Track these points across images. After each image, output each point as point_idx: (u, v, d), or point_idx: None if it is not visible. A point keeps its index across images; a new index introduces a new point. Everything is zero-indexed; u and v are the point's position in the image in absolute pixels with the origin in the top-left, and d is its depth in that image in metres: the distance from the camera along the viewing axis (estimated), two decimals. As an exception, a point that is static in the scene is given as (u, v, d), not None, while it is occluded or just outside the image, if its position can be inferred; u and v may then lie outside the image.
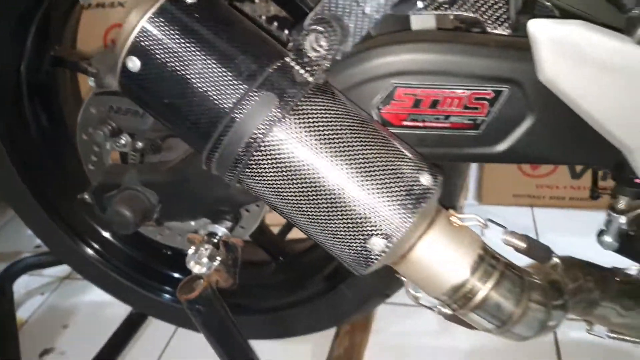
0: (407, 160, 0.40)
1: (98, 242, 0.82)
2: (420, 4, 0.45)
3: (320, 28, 0.37)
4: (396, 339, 0.98)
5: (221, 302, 0.58)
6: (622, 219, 0.46)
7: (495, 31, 0.43)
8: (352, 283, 0.73)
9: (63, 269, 1.20)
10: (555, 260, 0.45)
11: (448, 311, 0.44)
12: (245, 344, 0.63)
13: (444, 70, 0.44)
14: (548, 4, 0.43)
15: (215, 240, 0.57)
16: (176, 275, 0.83)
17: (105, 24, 1.15)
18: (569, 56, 0.37)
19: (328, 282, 0.76)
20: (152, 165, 0.61)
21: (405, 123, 0.46)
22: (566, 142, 0.45)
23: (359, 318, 0.88)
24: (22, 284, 1.12)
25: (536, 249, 0.43)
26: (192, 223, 0.62)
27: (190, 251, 0.56)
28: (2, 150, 0.74)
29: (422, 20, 0.47)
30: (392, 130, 0.46)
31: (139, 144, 0.62)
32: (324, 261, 0.76)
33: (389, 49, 0.44)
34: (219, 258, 0.56)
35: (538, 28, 0.37)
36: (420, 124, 0.46)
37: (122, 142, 0.64)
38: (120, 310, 1.02)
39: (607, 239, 0.47)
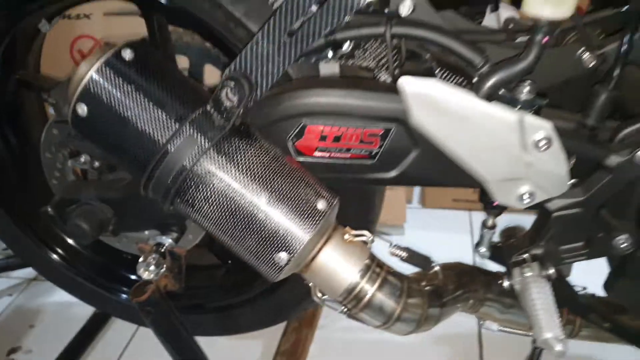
0: (308, 189, 0.49)
1: (62, 248, 0.91)
2: (329, 54, 0.56)
3: (231, 84, 0.47)
4: (340, 334, 1.08)
5: (169, 304, 0.68)
6: (491, 233, 0.56)
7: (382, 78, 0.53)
8: (289, 285, 0.83)
9: (31, 272, 1.27)
10: (436, 267, 0.56)
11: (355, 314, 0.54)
12: (192, 340, 0.72)
13: (343, 112, 0.53)
14: (427, 56, 0.54)
15: (162, 250, 0.66)
16: (134, 277, 0.92)
17: (71, 35, 1.22)
18: (429, 107, 0.47)
19: (271, 283, 0.86)
20: (108, 183, 0.70)
21: (315, 154, 0.56)
22: (447, 169, 0.55)
23: (299, 315, 0.98)
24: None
25: (417, 258, 0.53)
26: (146, 232, 0.71)
27: (140, 260, 0.65)
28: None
29: (329, 68, 0.56)
30: (306, 159, 0.56)
31: (96, 164, 0.71)
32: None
33: (300, 93, 0.54)
34: (165, 266, 0.65)
35: (405, 83, 0.47)
36: (327, 155, 0.56)
37: (82, 160, 0.72)
38: (84, 310, 1.10)
39: (482, 249, 0.58)
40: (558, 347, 0.50)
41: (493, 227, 0.57)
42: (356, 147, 0.55)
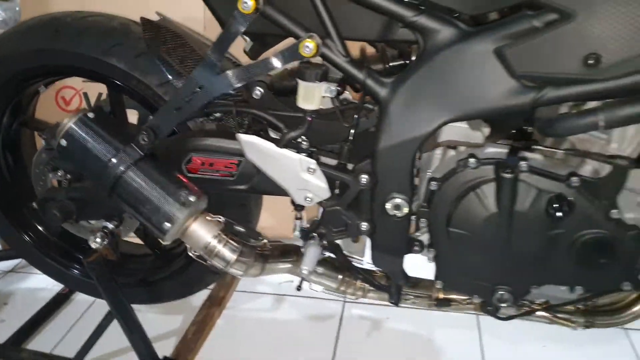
0: (185, 189, 0.92)
1: (36, 236, 1.31)
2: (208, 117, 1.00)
3: (146, 130, 0.91)
4: (241, 313, 1.49)
5: (107, 266, 1.09)
6: (299, 222, 1.00)
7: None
8: (197, 265, 1.25)
9: (8, 265, 1.66)
10: (265, 241, 0.99)
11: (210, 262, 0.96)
12: (121, 293, 1.13)
13: (213, 149, 0.97)
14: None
15: (105, 231, 1.07)
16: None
17: (57, 86, 1.63)
18: (253, 150, 0.91)
19: (184, 265, 1.28)
20: (74, 188, 1.12)
21: (199, 174, 0.99)
22: (274, 184, 0.99)
23: (204, 289, 1.39)
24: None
25: (250, 233, 0.96)
26: (96, 221, 1.13)
27: (91, 236, 1.07)
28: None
29: (209, 125, 1.01)
30: (193, 176, 0.99)
31: (68, 176, 1.13)
32: (182, 253, 1.28)
33: (191, 138, 0.98)
34: (106, 240, 1.07)
35: (240, 136, 0.92)
36: (207, 174, 0.99)
37: (59, 174, 1.14)
38: (49, 294, 1.50)
39: (295, 233, 1.01)
40: (304, 270, 0.94)
41: (300, 218, 1.00)
42: (222, 170, 0.99)
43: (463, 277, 0.97)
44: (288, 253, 1.05)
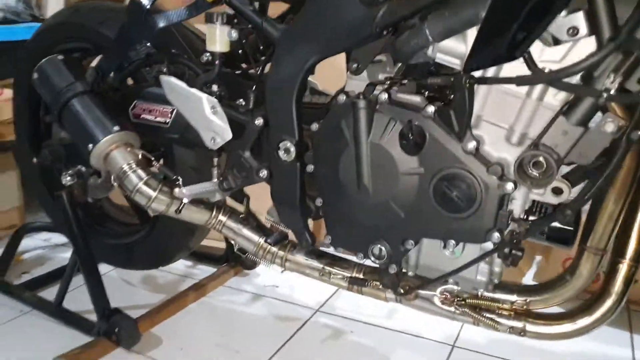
0: (112, 121, 1.08)
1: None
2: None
3: (91, 71, 1.10)
4: (216, 302, 1.54)
5: (74, 199, 1.27)
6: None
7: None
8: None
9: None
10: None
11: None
12: (85, 233, 1.29)
13: (151, 96, 1.13)
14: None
15: (79, 172, 1.27)
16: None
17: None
18: (172, 90, 1.05)
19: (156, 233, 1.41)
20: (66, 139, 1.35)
21: (140, 119, 1.15)
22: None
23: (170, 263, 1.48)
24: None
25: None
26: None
27: (65, 175, 1.27)
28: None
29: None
30: (136, 120, 1.15)
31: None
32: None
33: (140, 86, 1.16)
34: (76, 179, 1.26)
35: (161, 78, 1.06)
36: (146, 121, 1.14)
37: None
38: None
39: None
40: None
41: (216, 165, 1.08)
42: (159, 117, 1.13)
43: (344, 229, 0.94)
44: (205, 204, 1.12)
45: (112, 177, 1.10)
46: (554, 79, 0.65)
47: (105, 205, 1.60)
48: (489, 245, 0.82)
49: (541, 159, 0.70)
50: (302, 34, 0.91)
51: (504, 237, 0.78)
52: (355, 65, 0.91)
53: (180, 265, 1.73)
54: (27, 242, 1.86)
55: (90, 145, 1.07)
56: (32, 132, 1.49)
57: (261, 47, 1.12)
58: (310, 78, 1.02)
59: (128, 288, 1.61)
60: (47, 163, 1.32)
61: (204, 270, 1.68)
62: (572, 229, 0.85)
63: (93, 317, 1.35)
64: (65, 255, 1.83)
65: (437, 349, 1.30)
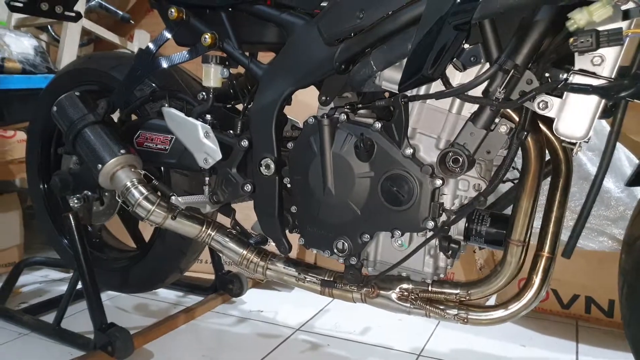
0: (119, 146, 1.33)
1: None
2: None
3: (102, 104, 1.37)
4: (203, 324, 1.73)
5: (80, 221, 1.50)
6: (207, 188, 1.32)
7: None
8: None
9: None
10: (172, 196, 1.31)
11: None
12: (88, 252, 1.51)
13: (153, 127, 1.39)
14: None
15: (85, 196, 1.51)
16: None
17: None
18: (172, 120, 1.30)
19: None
20: (75, 168, 1.60)
21: (144, 147, 1.40)
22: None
23: (166, 284, 1.69)
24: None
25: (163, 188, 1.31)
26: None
27: (72, 199, 1.51)
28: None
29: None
30: (139, 148, 1.40)
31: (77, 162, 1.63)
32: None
33: (144, 118, 1.42)
34: (82, 202, 1.49)
35: (163, 109, 1.32)
36: (148, 148, 1.40)
37: (74, 159, 1.65)
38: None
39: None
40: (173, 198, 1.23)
41: (207, 184, 1.31)
42: (160, 144, 1.39)
43: (313, 230, 1.16)
44: (197, 219, 1.35)
45: (117, 194, 1.34)
46: (460, 92, 0.91)
47: (104, 234, 1.83)
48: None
49: (456, 155, 0.94)
50: (281, 70, 1.18)
51: (437, 224, 1.01)
52: (324, 98, 1.18)
53: (171, 294, 1.93)
54: (26, 278, 2.07)
55: (99, 166, 1.31)
56: (43, 164, 1.74)
57: (249, 87, 1.40)
58: (291, 117, 1.30)
59: (122, 314, 1.80)
60: (56, 189, 1.55)
61: (194, 299, 1.88)
62: (504, 232, 1.09)
63: (90, 336, 1.54)
64: (62, 288, 2.03)
65: (405, 358, 1.48)
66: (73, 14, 1.75)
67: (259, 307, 1.82)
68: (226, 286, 1.86)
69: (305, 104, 1.39)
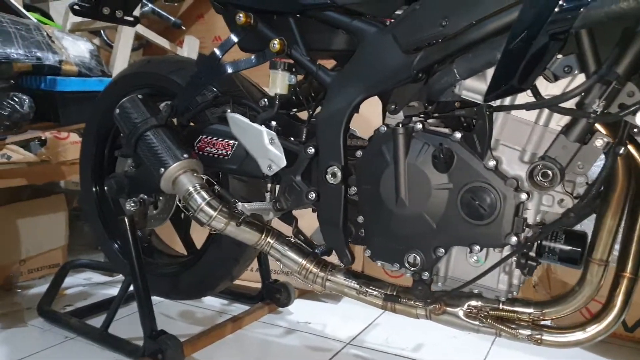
0: (181, 150, 1.32)
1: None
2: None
3: (165, 108, 1.37)
4: (251, 334, 1.71)
5: (135, 225, 1.50)
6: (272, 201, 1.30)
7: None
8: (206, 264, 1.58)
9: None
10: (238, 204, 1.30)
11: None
12: (139, 247, 1.50)
13: (215, 132, 1.38)
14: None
15: (140, 200, 1.50)
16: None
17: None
18: (235, 125, 1.30)
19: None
20: (131, 172, 1.60)
21: (204, 152, 1.39)
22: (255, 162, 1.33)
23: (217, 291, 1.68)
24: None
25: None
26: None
27: (129, 202, 1.51)
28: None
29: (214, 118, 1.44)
30: (200, 153, 1.39)
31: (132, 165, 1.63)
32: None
33: (205, 123, 1.41)
34: (138, 205, 1.49)
35: (227, 114, 1.31)
36: (210, 153, 1.39)
37: (129, 162, 1.65)
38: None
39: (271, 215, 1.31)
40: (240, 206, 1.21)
41: (269, 191, 1.30)
42: (221, 150, 1.38)
43: (382, 242, 1.14)
44: (257, 226, 1.33)
45: (178, 198, 1.33)
46: (553, 103, 0.88)
47: (153, 239, 1.83)
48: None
49: (547, 168, 0.91)
50: (352, 77, 1.16)
51: (520, 240, 0.98)
52: (393, 107, 1.16)
53: (216, 302, 1.92)
54: (69, 280, 2.08)
55: (162, 170, 1.31)
56: (97, 167, 1.75)
57: (312, 94, 1.38)
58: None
59: (168, 321, 1.79)
60: (112, 192, 1.56)
61: (239, 308, 1.86)
62: (580, 250, 1.05)
63: (138, 342, 1.53)
64: (106, 292, 2.05)
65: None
66: (132, 19, 1.76)
67: (307, 319, 1.79)
68: (273, 295, 1.84)
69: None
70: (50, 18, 2.53)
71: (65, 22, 2.41)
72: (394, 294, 1.21)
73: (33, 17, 2.11)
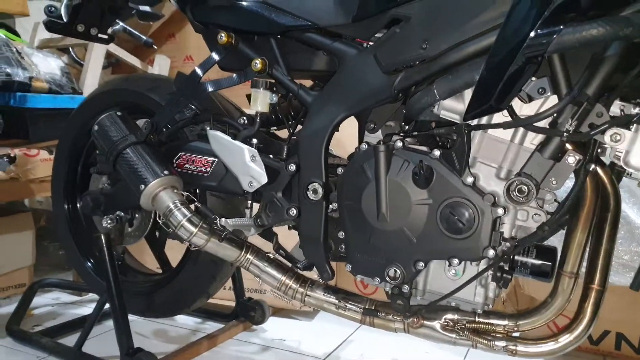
0: (161, 167, 1.32)
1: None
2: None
3: (145, 125, 1.37)
4: (226, 351, 1.70)
5: (112, 241, 1.48)
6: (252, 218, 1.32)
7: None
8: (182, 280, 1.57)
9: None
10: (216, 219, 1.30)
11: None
12: (115, 264, 1.48)
13: (194, 149, 1.39)
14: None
15: (117, 217, 1.49)
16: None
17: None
18: (217, 143, 1.31)
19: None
20: (107, 189, 1.58)
21: (184, 169, 1.40)
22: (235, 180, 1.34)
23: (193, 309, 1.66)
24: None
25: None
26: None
27: (106, 219, 1.49)
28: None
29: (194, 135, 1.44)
30: (179, 170, 1.40)
31: (108, 183, 1.61)
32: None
33: (183, 140, 1.42)
34: (115, 223, 1.48)
35: (208, 131, 1.33)
36: (189, 170, 1.39)
37: (103, 180, 1.63)
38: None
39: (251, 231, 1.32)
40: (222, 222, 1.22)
41: (249, 207, 1.31)
42: (201, 167, 1.38)
43: (363, 256, 1.16)
44: (237, 243, 1.34)
45: (159, 215, 1.33)
46: (529, 123, 0.93)
47: (127, 257, 1.80)
48: (484, 266, 1.06)
49: (523, 184, 0.96)
50: (333, 97, 1.19)
51: (497, 253, 1.02)
52: (372, 125, 1.20)
53: (190, 321, 1.90)
54: (37, 300, 2.02)
55: (142, 186, 1.30)
56: (70, 184, 1.73)
57: (292, 113, 1.41)
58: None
59: (143, 339, 1.76)
60: (87, 209, 1.54)
61: (213, 326, 1.85)
62: (550, 264, 1.10)
63: (112, 360, 1.51)
64: (75, 312, 2.00)
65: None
66: (106, 37, 1.76)
67: (281, 336, 1.80)
68: (247, 313, 1.84)
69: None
70: (17, 34, 2.49)
71: (32, 39, 2.37)
72: (373, 308, 1.24)
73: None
